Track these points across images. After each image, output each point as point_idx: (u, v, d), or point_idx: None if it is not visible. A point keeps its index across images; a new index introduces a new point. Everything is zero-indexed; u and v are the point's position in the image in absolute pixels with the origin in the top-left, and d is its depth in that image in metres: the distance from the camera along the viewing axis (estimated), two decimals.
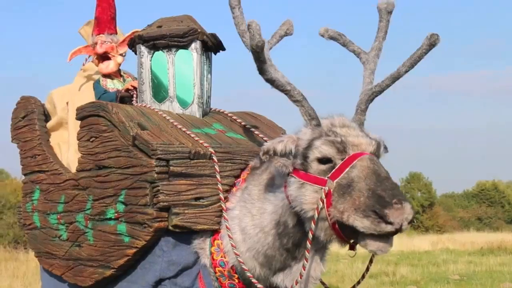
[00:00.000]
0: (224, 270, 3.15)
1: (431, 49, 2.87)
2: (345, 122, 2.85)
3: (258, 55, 2.66)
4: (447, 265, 15.33)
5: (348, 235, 2.65)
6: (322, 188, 2.64)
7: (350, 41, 3.25)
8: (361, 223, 2.50)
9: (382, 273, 13.59)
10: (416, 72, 3.07)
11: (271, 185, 3.01)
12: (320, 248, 2.96)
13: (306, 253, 2.77)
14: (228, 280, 3.18)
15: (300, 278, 2.85)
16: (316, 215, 2.64)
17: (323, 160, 2.71)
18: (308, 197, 2.70)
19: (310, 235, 2.72)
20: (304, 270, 2.82)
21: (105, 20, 4.26)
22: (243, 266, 3.01)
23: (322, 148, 2.72)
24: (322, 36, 3.27)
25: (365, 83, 3.05)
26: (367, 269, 3.10)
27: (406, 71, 2.92)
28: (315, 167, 2.73)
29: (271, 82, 2.82)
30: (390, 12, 3.11)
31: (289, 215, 2.87)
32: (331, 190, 2.62)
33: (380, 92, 2.95)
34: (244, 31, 2.99)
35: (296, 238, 2.90)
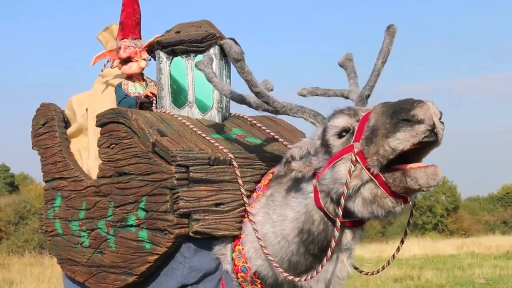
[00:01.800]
0: (247, 276, 3.13)
1: (394, 37, 3.04)
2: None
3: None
4: (472, 269, 15.11)
5: (397, 189, 2.50)
6: (351, 154, 2.55)
7: (327, 89, 3.30)
8: (397, 139, 2.39)
9: (407, 277, 13.48)
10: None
11: (295, 191, 2.97)
12: (346, 249, 2.90)
13: (336, 231, 2.66)
14: (251, 285, 3.16)
15: (316, 274, 2.81)
16: (349, 179, 2.53)
17: (341, 133, 2.68)
18: (343, 170, 2.59)
19: (338, 222, 2.64)
20: (322, 267, 2.75)
21: (130, 25, 4.28)
22: (275, 264, 2.95)
23: (335, 122, 2.70)
24: (302, 95, 3.34)
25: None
26: (398, 249, 3.05)
27: (383, 63, 3.06)
28: (336, 143, 2.68)
29: (265, 97, 2.96)
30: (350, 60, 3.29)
31: (313, 223, 2.83)
32: (361, 149, 2.52)
33: (371, 91, 3.06)
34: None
35: (322, 244, 2.85)
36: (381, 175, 2.50)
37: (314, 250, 2.88)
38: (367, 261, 16.46)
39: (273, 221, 3.00)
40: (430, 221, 50.19)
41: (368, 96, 3.04)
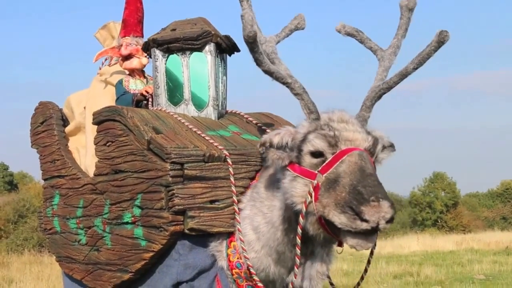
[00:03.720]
0: (241, 272, 3.14)
1: (441, 47, 2.80)
2: (344, 117, 2.82)
3: (251, 45, 2.66)
4: (472, 265, 15.10)
5: (334, 230, 2.62)
6: (311, 182, 2.64)
7: (367, 37, 3.20)
8: (338, 219, 2.50)
9: (406, 273, 13.48)
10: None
11: (278, 181, 2.98)
12: (325, 243, 2.95)
13: (297, 249, 2.77)
14: (246, 281, 3.17)
15: (297, 268, 2.82)
16: (304, 209, 2.64)
17: (316, 154, 2.71)
18: (298, 190, 2.70)
19: (299, 230, 2.72)
20: (297, 267, 2.81)
21: (132, 23, 4.30)
22: (249, 264, 3.03)
23: (314, 142, 2.71)
24: (339, 32, 3.23)
25: (376, 79, 3.00)
26: (365, 270, 3.16)
27: (414, 69, 2.86)
28: (307, 161, 2.72)
29: (270, 74, 2.82)
30: (411, 10, 3.06)
31: (292, 211, 2.84)
32: (320, 184, 2.61)
33: (388, 89, 2.91)
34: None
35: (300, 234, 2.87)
36: (323, 221, 2.63)
37: (295, 240, 2.89)
38: (366, 258, 16.47)
39: (264, 213, 3.03)
40: (430, 218, 50.18)
41: (383, 94, 2.92)
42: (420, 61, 2.84)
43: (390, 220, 2.44)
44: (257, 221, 3.05)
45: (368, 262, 3.13)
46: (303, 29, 3.47)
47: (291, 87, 2.85)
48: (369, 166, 2.61)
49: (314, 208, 2.62)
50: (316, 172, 2.64)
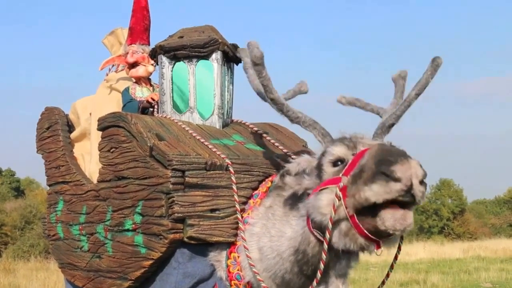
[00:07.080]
0: (240, 284, 3.09)
1: (436, 72, 2.93)
2: (358, 135, 2.78)
3: (259, 68, 2.76)
4: (478, 273, 14.97)
5: (369, 227, 2.47)
6: (336, 186, 2.51)
7: (366, 103, 3.28)
8: (371, 191, 2.36)
9: (413, 281, 13.40)
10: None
11: (295, 210, 2.92)
12: (341, 275, 2.84)
13: (321, 264, 2.65)
14: None
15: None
16: (333, 213, 2.50)
17: (336, 162, 2.66)
18: (324, 200, 2.57)
19: (325, 245, 2.60)
20: (323, 264, 2.68)
21: (138, 31, 4.31)
22: (263, 284, 2.94)
23: (333, 149, 2.68)
24: (341, 103, 3.32)
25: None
26: (387, 275, 3.04)
27: (417, 95, 2.94)
28: (329, 171, 2.67)
29: (279, 104, 2.89)
30: (403, 78, 3.21)
31: (309, 244, 2.77)
32: (346, 185, 2.49)
33: (396, 119, 2.92)
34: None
35: (316, 266, 2.76)
36: (355, 217, 2.48)
37: (308, 271, 2.84)
38: (373, 266, 16.38)
39: (271, 235, 2.96)
40: (436, 225, 49.96)
41: (392, 125, 2.92)
42: (420, 89, 2.95)
43: (422, 180, 2.34)
44: (263, 241, 2.98)
45: (391, 267, 3.02)
46: (306, 93, 3.54)
47: (302, 121, 2.90)
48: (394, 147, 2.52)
49: (345, 211, 2.48)
50: (340, 176, 2.54)
